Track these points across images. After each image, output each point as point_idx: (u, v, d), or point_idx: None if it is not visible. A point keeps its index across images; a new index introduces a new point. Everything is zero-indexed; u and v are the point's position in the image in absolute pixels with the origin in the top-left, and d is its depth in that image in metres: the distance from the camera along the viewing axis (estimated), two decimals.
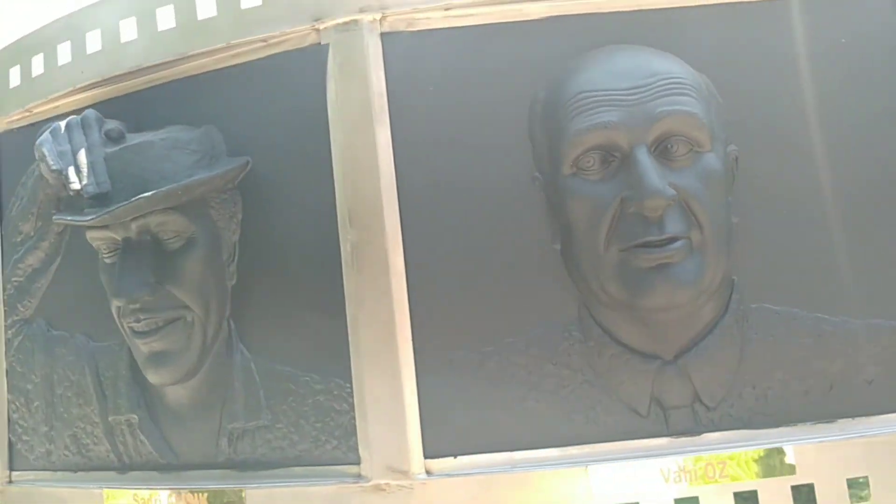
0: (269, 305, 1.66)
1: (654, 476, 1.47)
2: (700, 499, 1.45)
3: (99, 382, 1.83)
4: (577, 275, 1.52)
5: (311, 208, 1.62)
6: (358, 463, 1.53)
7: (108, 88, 1.84)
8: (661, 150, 1.47)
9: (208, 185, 1.64)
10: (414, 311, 1.53)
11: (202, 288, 1.66)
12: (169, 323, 1.65)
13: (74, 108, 1.90)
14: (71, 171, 1.64)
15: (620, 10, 1.61)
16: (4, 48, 2.06)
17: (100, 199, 1.64)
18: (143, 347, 1.67)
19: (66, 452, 1.87)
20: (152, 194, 1.59)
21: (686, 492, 1.46)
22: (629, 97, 1.47)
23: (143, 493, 1.70)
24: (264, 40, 1.68)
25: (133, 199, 1.59)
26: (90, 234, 1.71)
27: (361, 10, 1.60)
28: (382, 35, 1.60)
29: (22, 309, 1.96)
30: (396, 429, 1.51)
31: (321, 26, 1.63)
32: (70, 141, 1.69)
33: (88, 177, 1.64)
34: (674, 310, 1.48)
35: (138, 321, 1.65)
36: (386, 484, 1.50)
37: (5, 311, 1.99)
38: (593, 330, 1.52)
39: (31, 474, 1.94)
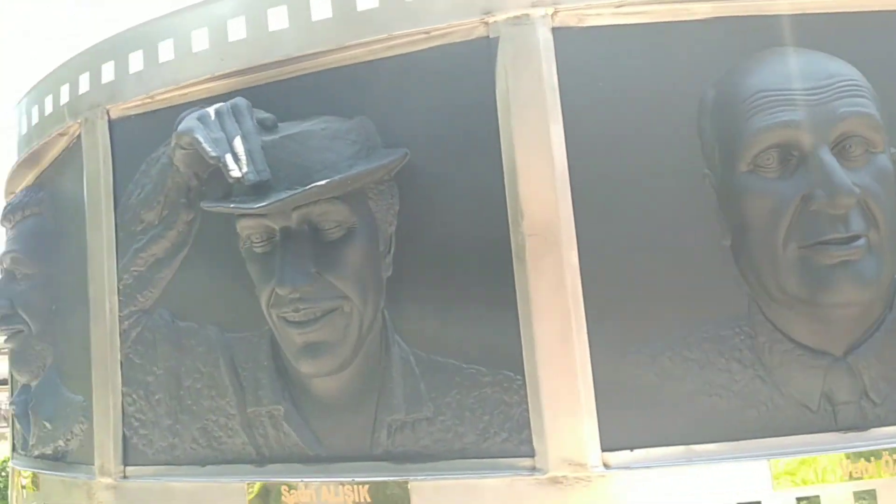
0: (428, 297, 1.65)
1: (831, 470, 1.49)
2: (877, 492, 1.48)
3: (235, 374, 1.79)
4: (750, 271, 1.55)
5: (477, 201, 1.62)
6: (532, 455, 1.53)
7: (250, 77, 1.82)
8: (840, 149, 1.50)
9: (372, 176, 1.63)
10: (588, 305, 1.54)
11: (360, 278, 1.64)
12: (327, 313, 1.63)
13: (206, 95, 1.87)
14: (229, 158, 1.61)
15: (783, 13, 1.64)
16: (123, 33, 2.02)
17: (258, 188, 1.62)
18: (298, 338, 1.64)
19: (194, 446, 1.83)
20: (326, 183, 1.57)
21: (864, 486, 1.48)
22: (810, 97, 1.51)
23: (297, 484, 1.67)
24: (427, 32, 1.68)
25: (306, 187, 1.57)
26: (243, 223, 1.68)
27: (533, 5, 1.61)
28: (553, 30, 1.61)
29: (141, 299, 1.92)
30: (573, 422, 1.51)
31: (491, 19, 1.63)
32: (223, 128, 1.66)
33: (248, 165, 1.61)
34: (853, 306, 1.51)
35: (297, 311, 1.62)
36: (563, 477, 1.50)
37: (121, 301, 1.94)
38: (764, 326, 1.54)
39: (149, 469, 1.89)
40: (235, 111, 1.69)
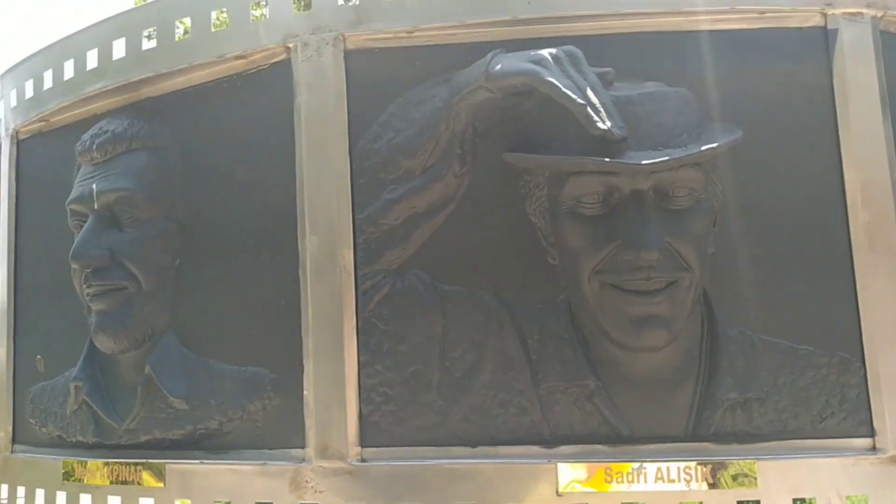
0: (749, 276, 1.64)
1: None
2: None
3: (524, 346, 1.63)
4: None
5: (808, 186, 1.65)
6: (872, 436, 1.58)
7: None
8: None
9: (731, 146, 1.59)
10: None
11: (701, 251, 1.59)
12: (669, 284, 1.56)
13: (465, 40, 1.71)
14: (590, 109, 1.49)
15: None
16: None
17: (610, 145, 1.51)
18: (637, 308, 1.55)
19: (465, 424, 1.63)
20: (717, 146, 1.52)
21: None
22: None
23: (620, 466, 1.56)
24: (760, 13, 1.68)
25: (702, 148, 1.50)
26: (580, 181, 1.56)
27: (868, 5, 1.68)
28: (882, 32, 1.70)
29: (390, 257, 1.68)
30: None
31: (830, 11, 1.67)
32: (569, 76, 1.53)
33: (611, 118, 1.50)
34: None
35: (649, 279, 1.53)
36: None
37: (359, 257, 1.68)
38: None
39: (397, 451, 1.65)
40: (574, 60, 1.56)
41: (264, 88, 1.82)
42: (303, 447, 1.68)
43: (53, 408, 2.08)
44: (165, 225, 1.90)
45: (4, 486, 2.18)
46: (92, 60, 2.05)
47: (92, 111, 2.08)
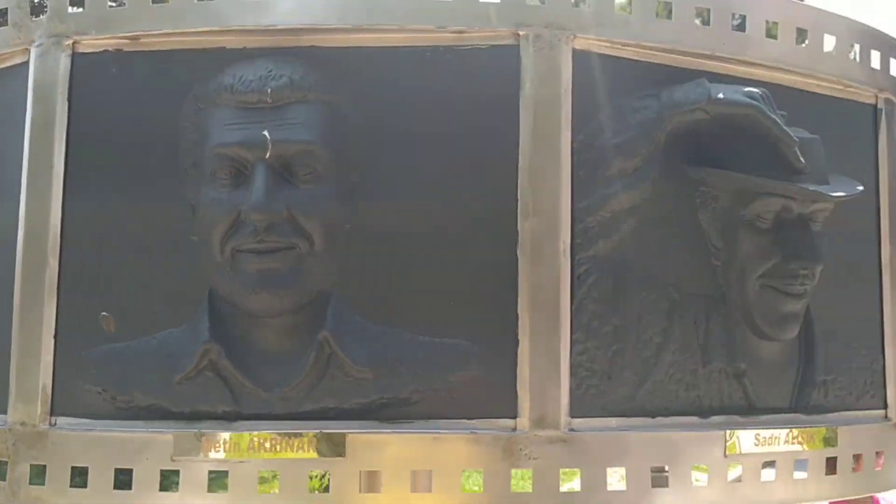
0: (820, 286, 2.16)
1: None
2: None
3: (696, 332, 1.94)
4: None
5: None
6: (885, 408, 2.20)
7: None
8: None
9: None
10: None
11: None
12: (806, 290, 2.01)
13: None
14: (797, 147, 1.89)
15: None
16: None
17: (793, 174, 1.92)
18: (788, 306, 1.98)
19: (650, 398, 1.88)
20: (861, 189, 1.99)
21: None
22: None
23: (765, 434, 1.95)
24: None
25: (858, 187, 1.97)
26: (768, 201, 1.93)
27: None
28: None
29: (602, 246, 1.86)
30: None
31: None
32: (776, 115, 1.90)
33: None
34: None
35: (802, 285, 1.97)
36: None
37: (577, 244, 1.83)
38: None
39: (597, 421, 1.83)
40: (768, 99, 1.92)
41: (482, 68, 1.84)
42: (514, 417, 1.77)
43: (140, 373, 1.80)
44: (341, 184, 1.80)
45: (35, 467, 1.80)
46: None
47: (219, 43, 1.84)
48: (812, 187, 1.92)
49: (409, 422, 1.78)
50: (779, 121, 1.87)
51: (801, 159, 1.88)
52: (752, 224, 1.95)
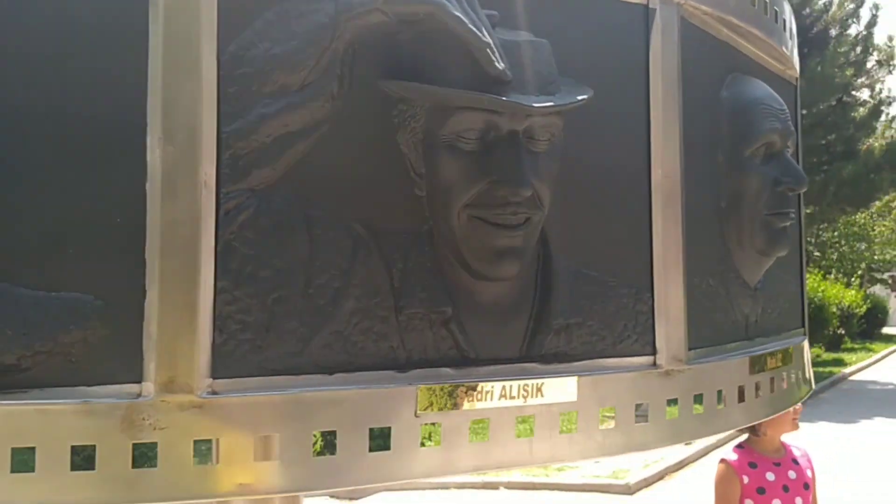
0: (574, 217, 1.86)
1: None
2: None
3: (388, 274, 1.66)
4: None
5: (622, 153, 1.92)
6: (654, 354, 1.93)
7: None
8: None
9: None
10: None
11: (550, 191, 1.76)
12: (527, 220, 1.72)
13: None
14: (489, 50, 1.56)
15: None
16: None
17: (497, 85, 1.61)
18: (502, 241, 1.69)
19: (326, 351, 1.62)
20: (586, 97, 1.68)
21: None
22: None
23: (475, 385, 1.69)
24: None
25: (579, 97, 1.67)
26: (464, 117, 1.62)
27: None
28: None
29: (259, 176, 1.56)
30: (679, 328, 1.96)
31: None
32: (468, 14, 1.58)
33: (503, 59, 1.59)
34: None
35: (514, 214, 1.68)
36: (671, 369, 1.94)
37: (223, 174, 1.54)
38: None
39: (253, 381, 1.57)
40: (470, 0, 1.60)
41: None
42: (139, 382, 1.52)
43: None
44: None
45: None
46: None
47: None
48: (511, 98, 1.60)
49: (21, 391, 1.52)
50: (465, 20, 1.54)
51: (498, 64, 1.56)
52: (453, 145, 1.64)
